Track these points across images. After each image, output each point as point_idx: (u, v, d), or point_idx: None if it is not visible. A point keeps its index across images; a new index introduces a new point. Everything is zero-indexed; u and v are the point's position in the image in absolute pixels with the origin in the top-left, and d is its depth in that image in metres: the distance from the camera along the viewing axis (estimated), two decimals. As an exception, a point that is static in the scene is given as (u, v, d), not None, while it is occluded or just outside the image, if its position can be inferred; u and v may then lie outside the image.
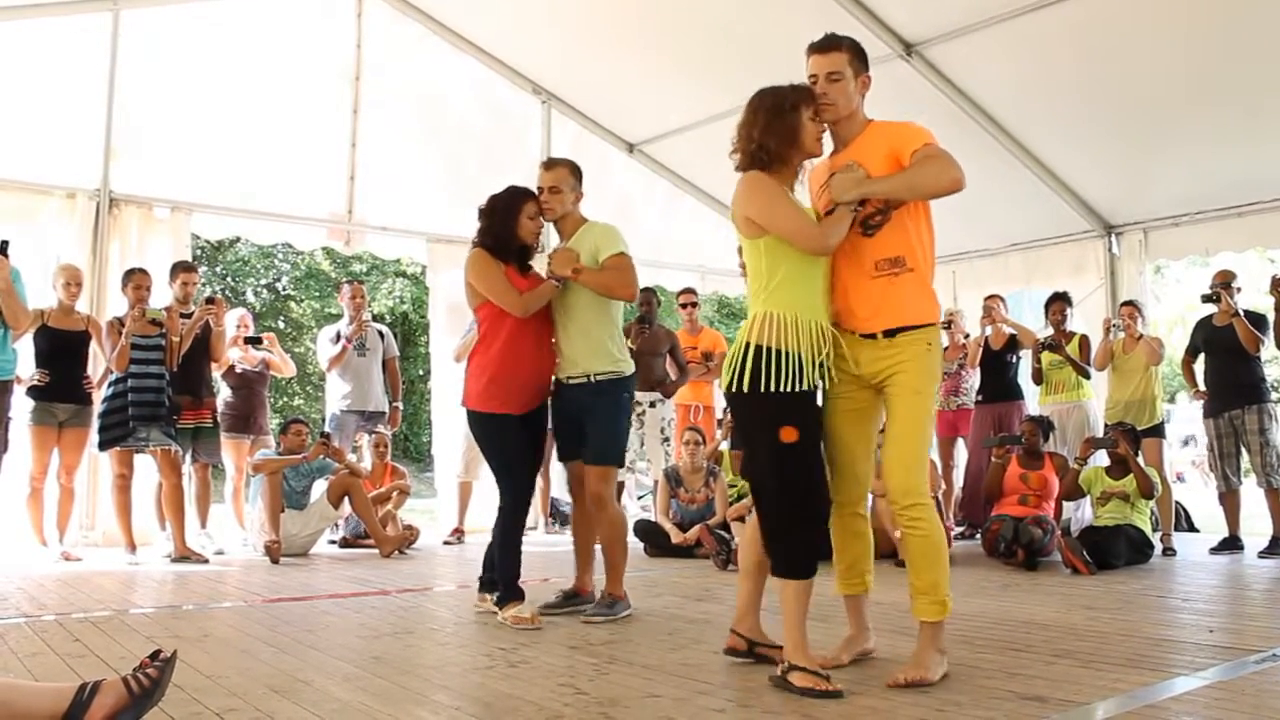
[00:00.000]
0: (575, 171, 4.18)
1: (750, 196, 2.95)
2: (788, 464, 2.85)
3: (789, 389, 2.82)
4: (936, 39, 7.00)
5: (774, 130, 2.96)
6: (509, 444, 4.08)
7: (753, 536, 3.08)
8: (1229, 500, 6.71)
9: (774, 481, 2.88)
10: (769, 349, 2.85)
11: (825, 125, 3.05)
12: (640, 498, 11.06)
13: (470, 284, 4.09)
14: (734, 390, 2.90)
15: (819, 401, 3.00)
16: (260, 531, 6.49)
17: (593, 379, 4.04)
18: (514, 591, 4.02)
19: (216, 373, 7.13)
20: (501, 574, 4.08)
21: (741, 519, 6.47)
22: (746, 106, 3.04)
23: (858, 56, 3.06)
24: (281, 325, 22.04)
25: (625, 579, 4.18)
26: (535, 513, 8.46)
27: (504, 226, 4.09)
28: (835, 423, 3.03)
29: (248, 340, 7.32)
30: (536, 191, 4.14)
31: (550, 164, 4.23)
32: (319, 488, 6.95)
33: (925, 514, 2.90)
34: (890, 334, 2.94)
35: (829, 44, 3.05)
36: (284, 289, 23.76)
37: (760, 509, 2.96)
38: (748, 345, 2.88)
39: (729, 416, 7.45)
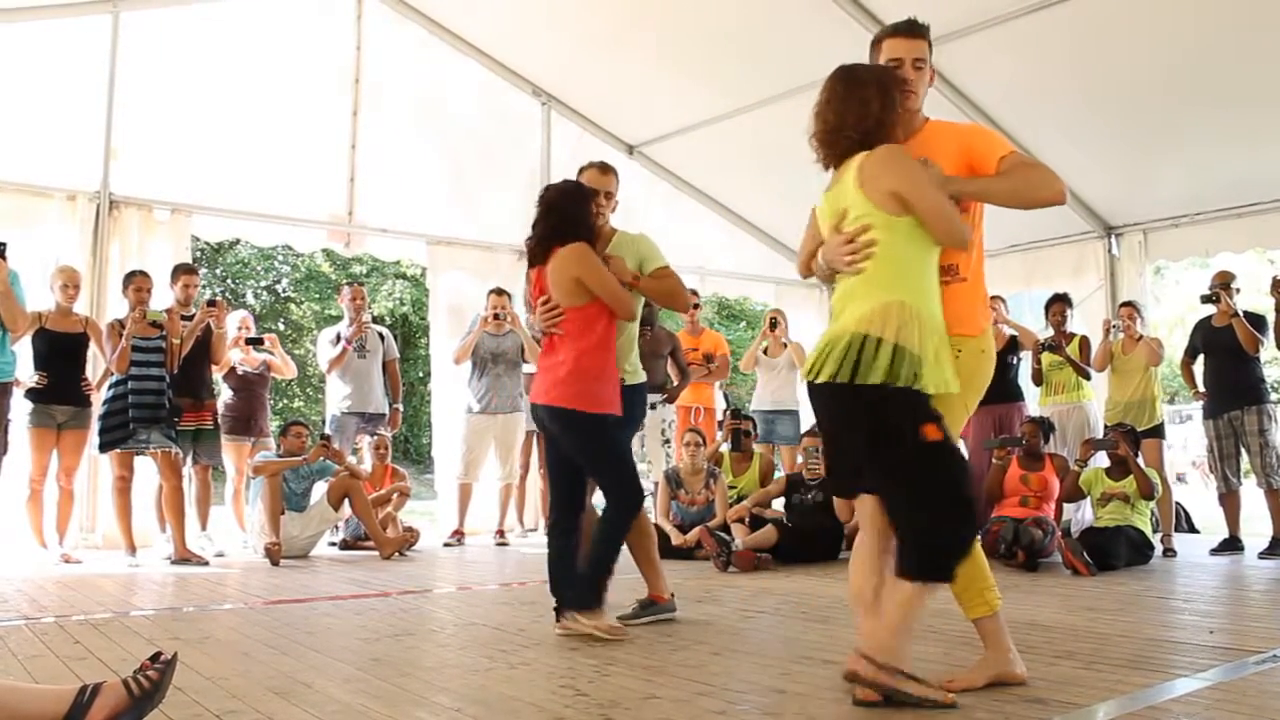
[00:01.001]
0: (609, 173, 4.06)
1: (901, 170, 2.66)
2: (940, 461, 2.62)
3: (918, 386, 2.58)
4: (936, 40, 6.87)
5: (889, 109, 2.74)
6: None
7: (864, 567, 2.75)
8: (1229, 501, 6.71)
9: (928, 481, 2.61)
10: (898, 346, 2.56)
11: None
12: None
13: (579, 280, 3.71)
14: (852, 382, 2.57)
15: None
16: (260, 533, 6.49)
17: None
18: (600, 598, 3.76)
19: (217, 375, 7.13)
20: (597, 576, 3.78)
21: (741, 520, 6.47)
22: (841, 82, 2.77)
23: (931, 49, 2.95)
24: (282, 327, 22.05)
25: (625, 581, 4.17)
26: (535, 515, 8.47)
27: (588, 219, 3.85)
28: None
29: (249, 341, 7.32)
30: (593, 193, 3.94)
31: (606, 169, 4.03)
32: (319, 490, 6.95)
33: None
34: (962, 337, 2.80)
35: (917, 29, 2.90)
36: (284, 291, 23.78)
37: (902, 516, 2.66)
38: (870, 339, 2.58)
39: (729, 418, 7.46)
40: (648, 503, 9.35)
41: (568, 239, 3.76)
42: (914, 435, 2.58)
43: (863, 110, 2.72)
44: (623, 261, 3.84)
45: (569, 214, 3.81)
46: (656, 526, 6.80)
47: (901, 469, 2.62)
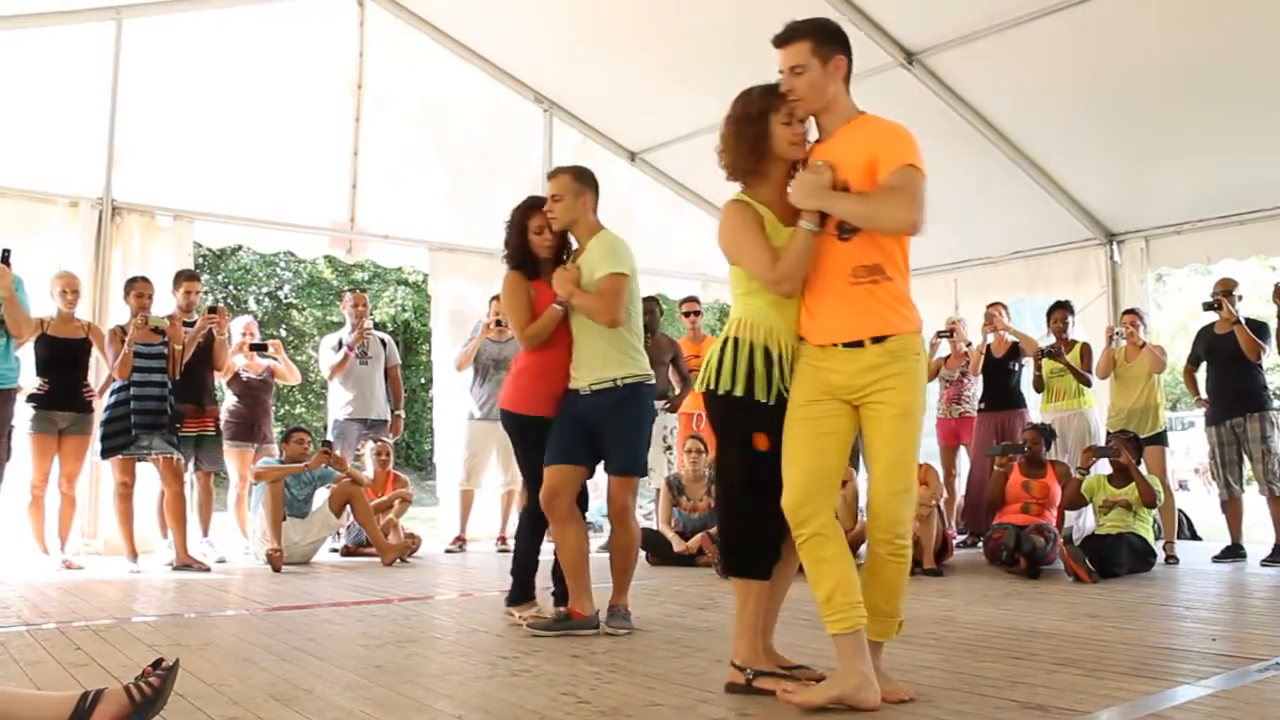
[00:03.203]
0: (579, 177, 4.06)
1: (720, 229, 2.92)
2: (758, 471, 2.83)
3: (758, 398, 2.81)
4: (937, 47, 7.01)
5: (741, 145, 2.86)
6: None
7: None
8: (1231, 508, 6.70)
9: (743, 486, 2.88)
10: (740, 353, 2.84)
11: (803, 123, 2.87)
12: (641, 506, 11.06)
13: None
14: (710, 390, 2.89)
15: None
16: (262, 539, 6.49)
17: (619, 384, 3.93)
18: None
19: (220, 381, 7.14)
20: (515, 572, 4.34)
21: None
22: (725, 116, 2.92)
23: (824, 40, 2.80)
24: (283, 333, 22.05)
25: (628, 588, 4.17)
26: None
27: (516, 243, 4.17)
28: (821, 444, 2.80)
29: (254, 347, 7.32)
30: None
31: (551, 173, 4.21)
32: (321, 496, 6.94)
33: (909, 541, 2.84)
34: (880, 340, 2.74)
35: (787, 35, 2.81)
36: (286, 297, 23.79)
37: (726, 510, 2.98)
38: (725, 343, 2.88)
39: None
40: (650, 509, 9.37)
41: (511, 267, 4.20)
42: (736, 441, 2.87)
43: (719, 152, 2.94)
44: (566, 274, 3.94)
45: (506, 240, 4.22)
46: (658, 533, 6.85)
47: (721, 469, 2.98)
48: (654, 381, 4.11)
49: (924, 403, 2.86)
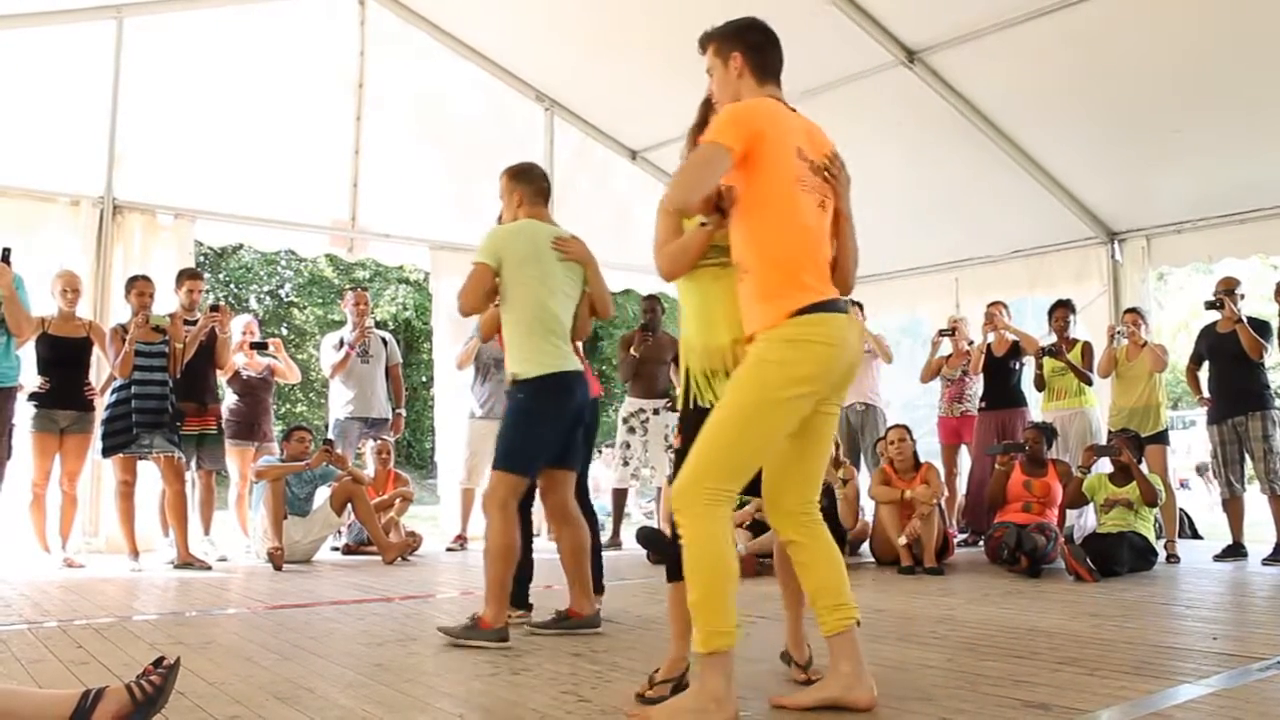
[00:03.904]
0: (508, 174, 4.03)
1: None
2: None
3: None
4: (939, 46, 7.01)
5: (688, 151, 2.99)
6: None
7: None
8: (1233, 507, 6.70)
9: None
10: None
11: None
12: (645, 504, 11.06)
13: None
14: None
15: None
16: (263, 538, 6.50)
17: (513, 382, 3.84)
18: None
19: (221, 379, 7.14)
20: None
21: (743, 525, 6.46)
22: None
23: (723, 41, 2.83)
24: (285, 332, 22.07)
25: (628, 586, 4.17)
26: (538, 519, 8.45)
27: None
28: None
29: (254, 346, 7.32)
30: None
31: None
32: (322, 494, 6.95)
33: (685, 521, 2.57)
34: (752, 340, 2.67)
35: (700, 43, 2.91)
36: (287, 296, 23.82)
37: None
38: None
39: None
40: (652, 508, 9.29)
41: None
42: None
43: None
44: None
45: None
46: (659, 531, 6.84)
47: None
48: (536, 376, 3.76)
49: (743, 399, 2.58)
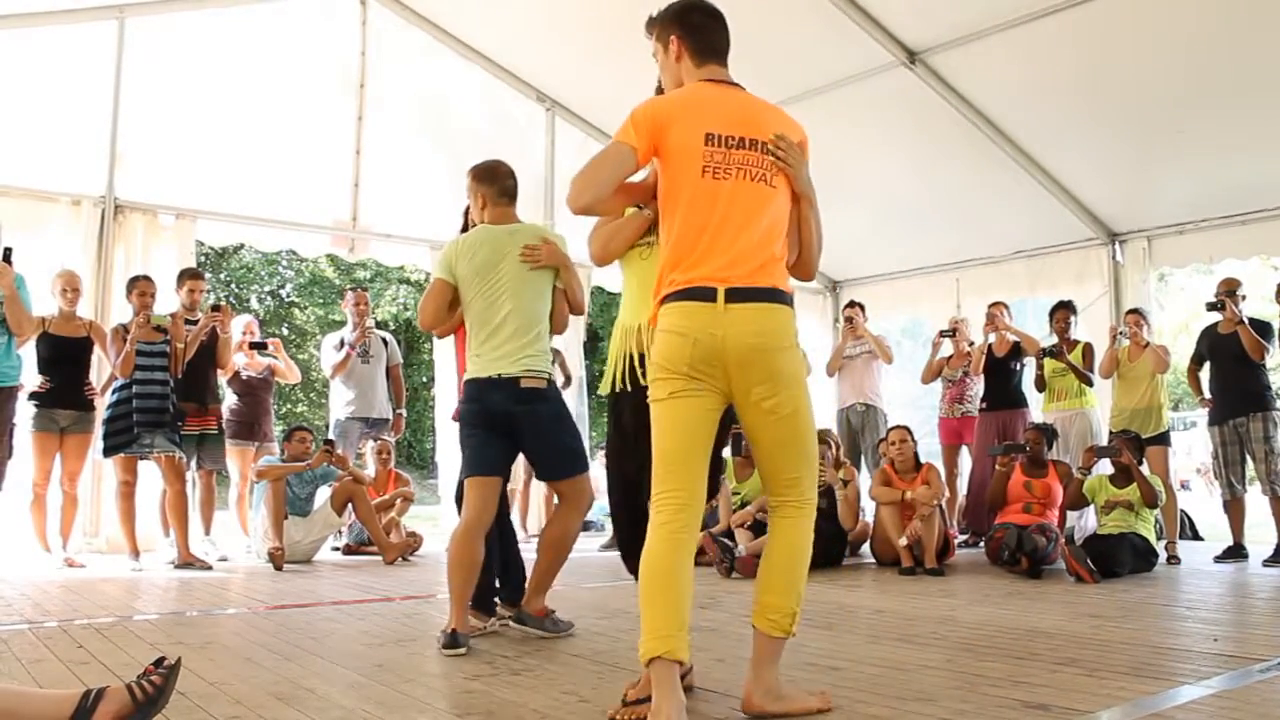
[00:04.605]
0: (471, 175, 4.07)
1: None
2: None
3: None
4: (940, 47, 7.01)
5: None
6: None
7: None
8: (1233, 508, 6.69)
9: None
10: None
11: None
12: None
13: None
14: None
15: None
16: (264, 538, 6.50)
17: None
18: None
19: (222, 379, 7.14)
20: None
21: (745, 526, 6.47)
22: None
23: (663, 24, 2.82)
24: (285, 332, 22.08)
25: (630, 586, 4.16)
26: (538, 519, 8.45)
27: None
28: None
29: (253, 346, 7.33)
30: None
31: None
32: (322, 494, 6.95)
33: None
34: None
35: (645, 30, 2.90)
36: (288, 296, 23.82)
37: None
38: None
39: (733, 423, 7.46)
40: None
41: None
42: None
43: None
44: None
45: None
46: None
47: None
48: (469, 380, 3.82)
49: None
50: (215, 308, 6.73)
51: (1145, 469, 6.34)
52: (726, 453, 7.24)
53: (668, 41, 2.81)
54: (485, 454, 3.81)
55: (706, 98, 2.67)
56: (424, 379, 20.61)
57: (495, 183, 3.96)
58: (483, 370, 3.76)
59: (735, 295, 2.53)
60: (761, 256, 2.59)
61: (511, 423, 3.76)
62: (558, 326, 4.00)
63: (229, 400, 7.32)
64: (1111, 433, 6.86)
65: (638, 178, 2.74)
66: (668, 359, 2.55)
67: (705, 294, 2.53)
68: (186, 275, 6.78)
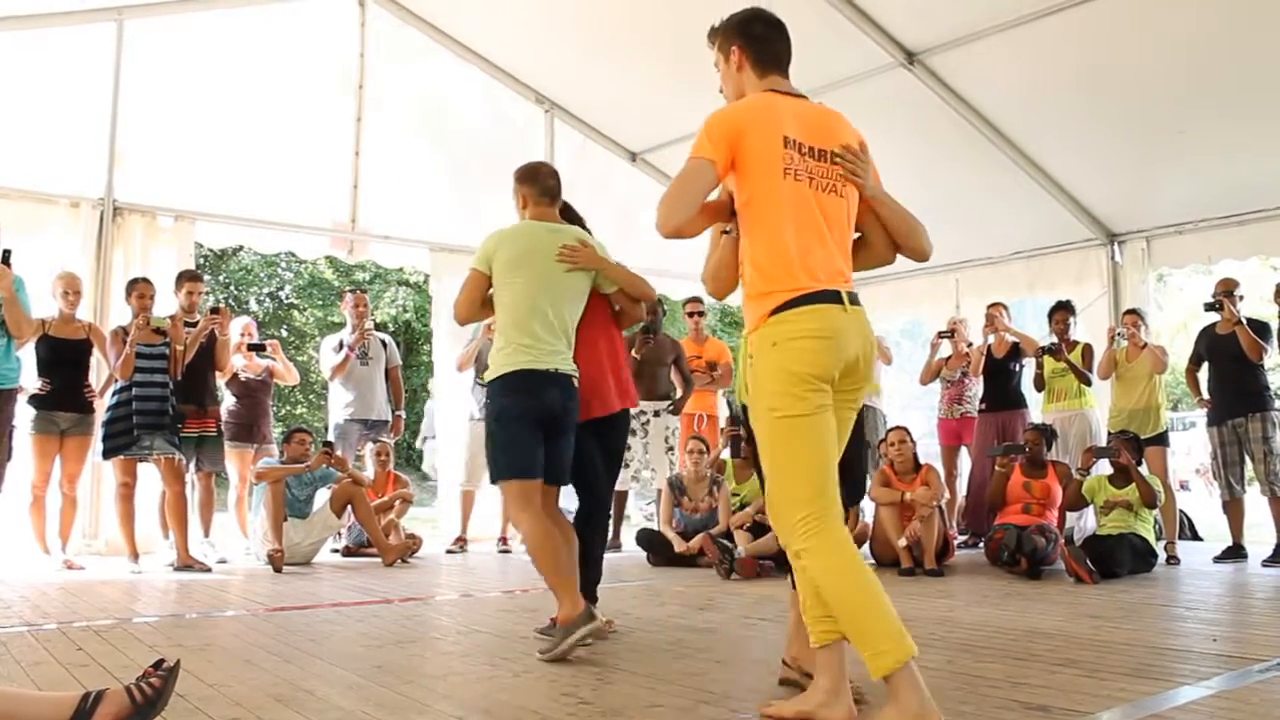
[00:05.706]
0: (515, 177, 4.02)
1: None
2: None
3: None
4: (939, 47, 7.01)
5: None
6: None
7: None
8: (1233, 509, 6.70)
9: None
10: None
11: None
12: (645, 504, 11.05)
13: None
14: None
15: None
16: (263, 540, 6.50)
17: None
18: None
19: (221, 381, 7.14)
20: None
21: (744, 527, 6.47)
22: None
23: (725, 34, 2.82)
24: (284, 334, 22.07)
25: (630, 588, 4.17)
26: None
27: None
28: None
29: (251, 348, 7.32)
30: None
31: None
32: (322, 496, 6.95)
33: (799, 563, 2.51)
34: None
35: (708, 40, 2.88)
36: (287, 298, 23.80)
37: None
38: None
39: (728, 425, 7.46)
40: (651, 510, 9.30)
41: None
42: None
43: None
44: None
45: None
46: (659, 534, 6.85)
47: None
48: (492, 380, 3.71)
49: (759, 403, 2.57)
50: (214, 310, 6.72)
51: (1144, 469, 6.35)
52: (726, 454, 7.27)
53: (729, 52, 2.81)
54: (538, 455, 3.65)
55: (777, 104, 2.68)
56: (423, 381, 20.60)
57: (537, 182, 3.97)
58: (537, 362, 3.63)
59: (852, 298, 2.58)
60: (846, 259, 2.65)
61: (556, 423, 3.69)
62: (631, 318, 4.12)
63: (228, 402, 7.31)
64: (1110, 433, 6.87)
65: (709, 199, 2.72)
66: (817, 365, 2.48)
67: (833, 296, 2.53)
68: (185, 277, 6.78)
